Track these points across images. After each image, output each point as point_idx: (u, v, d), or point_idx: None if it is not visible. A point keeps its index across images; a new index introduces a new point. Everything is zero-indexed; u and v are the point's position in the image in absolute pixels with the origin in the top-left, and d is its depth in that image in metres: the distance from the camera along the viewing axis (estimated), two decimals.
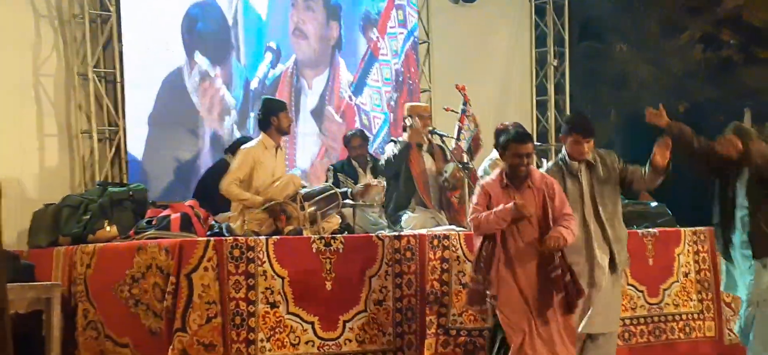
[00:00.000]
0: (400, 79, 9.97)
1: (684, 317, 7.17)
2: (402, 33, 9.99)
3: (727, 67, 12.38)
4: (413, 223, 6.79)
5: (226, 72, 8.66)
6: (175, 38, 8.34)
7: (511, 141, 5.33)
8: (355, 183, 7.49)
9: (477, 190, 5.43)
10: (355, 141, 7.82)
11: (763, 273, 5.70)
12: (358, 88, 9.65)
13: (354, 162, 7.74)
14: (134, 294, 5.68)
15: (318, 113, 9.32)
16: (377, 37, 9.78)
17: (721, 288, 6.36)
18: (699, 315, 7.27)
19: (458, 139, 7.19)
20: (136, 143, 8.05)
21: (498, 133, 7.68)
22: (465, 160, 7.12)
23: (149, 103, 8.14)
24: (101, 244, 6.18)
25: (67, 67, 7.95)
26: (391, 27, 9.90)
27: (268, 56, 8.99)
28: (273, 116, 6.62)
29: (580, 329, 5.55)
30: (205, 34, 8.56)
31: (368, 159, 7.81)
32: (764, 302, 5.70)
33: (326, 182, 7.54)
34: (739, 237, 5.80)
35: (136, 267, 5.70)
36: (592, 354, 5.69)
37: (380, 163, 7.45)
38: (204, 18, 8.57)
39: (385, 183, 7.18)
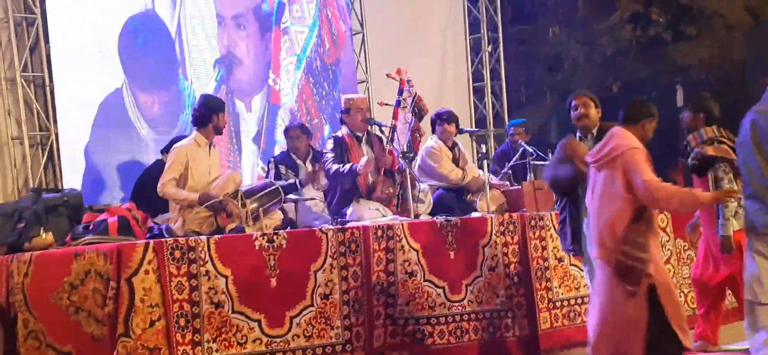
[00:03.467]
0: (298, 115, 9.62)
1: None
2: (292, 62, 9.62)
3: (657, 44, 12.61)
4: (357, 215, 6.75)
5: (171, 92, 8.47)
6: (110, 47, 8.17)
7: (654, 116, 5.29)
8: (296, 175, 7.41)
9: (636, 153, 5.05)
10: (293, 132, 7.74)
11: None
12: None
13: (293, 154, 7.66)
14: (74, 301, 5.54)
15: (260, 140, 9.13)
16: (273, 80, 9.44)
17: None
18: None
19: (392, 140, 7.04)
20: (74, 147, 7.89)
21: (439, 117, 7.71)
22: (399, 164, 7.03)
23: (84, 107, 7.97)
24: (38, 252, 6.02)
25: None
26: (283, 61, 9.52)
27: (217, 70, 8.85)
28: (214, 114, 6.53)
29: None
30: (146, 50, 8.38)
31: (309, 151, 7.71)
32: None
33: (267, 175, 7.46)
34: None
35: (74, 274, 5.56)
36: None
37: (323, 157, 7.32)
38: (144, 32, 8.38)
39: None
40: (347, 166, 7.01)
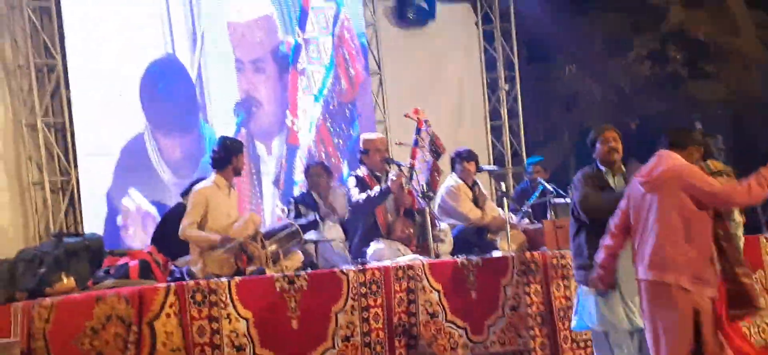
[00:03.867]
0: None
1: None
2: (309, 102, 9.60)
3: (675, 81, 12.58)
4: (378, 255, 6.72)
5: (192, 136, 8.54)
6: (131, 92, 8.23)
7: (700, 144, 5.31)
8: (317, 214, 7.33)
9: (694, 169, 4.98)
10: (315, 170, 7.72)
11: None
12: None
13: (314, 193, 7.62)
14: (95, 346, 5.51)
15: (279, 181, 9.14)
16: (291, 121, 9.47)
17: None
18: None
19: (410, 180, 6.99)
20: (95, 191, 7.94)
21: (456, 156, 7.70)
22: (419, 204, 7.00)
23: (105, 151, 8.04)
24: (59, 296, 6.01)
25: (14, 118, 7.83)
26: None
27: (238, 113, 8.92)
28: (233, 156, 6.55)
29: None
30: (167, 95, 8.45)
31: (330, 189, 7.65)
32: None
33: (288, 214, 7.45)
34: None
35: (95, 318, 5.54)
36: None
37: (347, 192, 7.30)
38: (165, 77, 8.46)
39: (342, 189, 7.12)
40: (376, 188, 7.00)
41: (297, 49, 9.47)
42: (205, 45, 8.77)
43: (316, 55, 9.62)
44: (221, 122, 8.75)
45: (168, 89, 8.48)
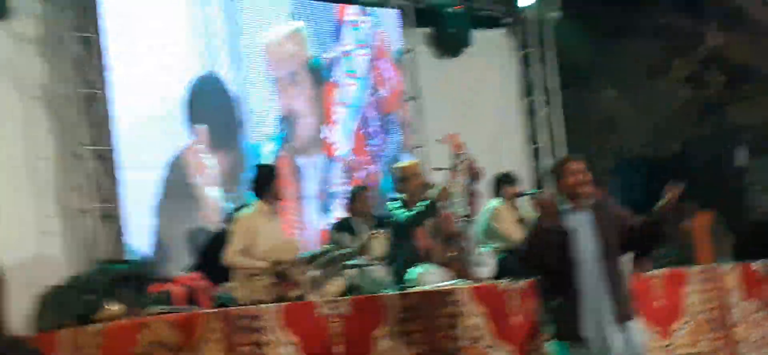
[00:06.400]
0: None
1: None
2: (344, 113, 9.75)
3: (715, 105, 12.48)
4: (419, 280, 6.72)
5: (233, 155, 8.65)
6: (174, 115, 8.35)
7: None
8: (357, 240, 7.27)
9: None
10: (357, 195, 7.75)
11: None
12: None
13: (356, 218, 7.63)
14: None
15: (319, 195, 9.21)
16: (327, 133, 9.53)
17: None
18: None
19: (450, 204, 7.01)
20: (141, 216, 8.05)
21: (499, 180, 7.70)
22: (460, 228, 7.00)
23: (150, 175, 8.17)
24: (106, 323, 6.09)
25: (60, 147, 7.93)
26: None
27: (278, 129, 9.02)
28: (271, 183, 6.62)
29: None
30: (209, 111, 8.57)
31: (372, 217, 7.67)
32: None
33: (328, 242, 7.47)
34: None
35: (141, 345, 5.59)
36: None
37: (386, 219, 7.30)
38: (206, 93, 8.58)
39: (383, 232, 7.12)
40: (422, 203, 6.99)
41: (331, 62, 9.58)
42: (244, 64, 8.90)
43: (350, 67, 9.72)
44: (262, 139, 8.87)
45: (210, 106, 8.62)
